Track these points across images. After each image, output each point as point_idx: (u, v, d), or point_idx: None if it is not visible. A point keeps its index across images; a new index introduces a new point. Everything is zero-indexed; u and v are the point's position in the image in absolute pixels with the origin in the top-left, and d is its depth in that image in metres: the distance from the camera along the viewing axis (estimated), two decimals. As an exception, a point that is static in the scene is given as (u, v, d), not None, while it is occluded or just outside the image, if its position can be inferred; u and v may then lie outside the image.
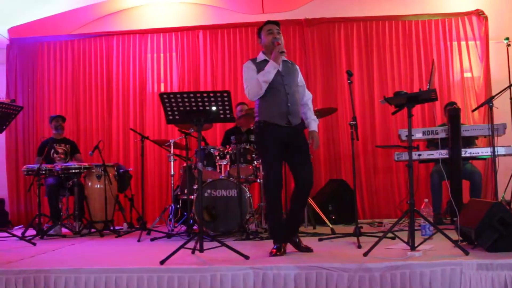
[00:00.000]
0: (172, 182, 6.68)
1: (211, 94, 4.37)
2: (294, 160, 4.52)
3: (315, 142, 4.61)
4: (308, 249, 4.48)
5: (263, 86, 4.40)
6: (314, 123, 4.69)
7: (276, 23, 4.62)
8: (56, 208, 6.82)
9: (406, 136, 6.06)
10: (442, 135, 6.19)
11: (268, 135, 4.46)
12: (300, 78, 4.73)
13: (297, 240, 4.56)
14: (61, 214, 6.91)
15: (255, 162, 6.13)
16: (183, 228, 6.47)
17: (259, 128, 4.54)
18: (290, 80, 4.53)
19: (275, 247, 4.37)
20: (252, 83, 4.44)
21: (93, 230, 6.61)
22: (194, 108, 4.43)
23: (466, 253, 3.89)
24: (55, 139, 7.38)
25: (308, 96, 4.78)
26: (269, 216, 4.68)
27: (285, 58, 4.61)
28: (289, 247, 4.51)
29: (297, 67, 4.75)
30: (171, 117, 4.53)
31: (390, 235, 4.63)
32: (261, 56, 4.61)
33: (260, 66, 4.50)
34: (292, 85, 4.53)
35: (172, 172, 6.62)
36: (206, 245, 4.30)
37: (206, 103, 4.40)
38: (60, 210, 6.93)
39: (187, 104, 4.41)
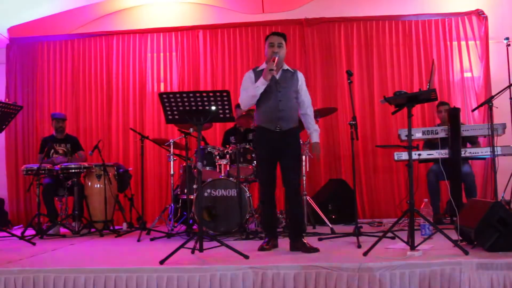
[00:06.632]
0: (172, 181, 6.69)
1: (211, 94, 4.38)
2: (283, 163, 4.76)
3: (316, 154, 4.91)
4: (314, 250, 4.48)
5: (251, 100, 4.72)
6: (315, 134, 4.93)
7: (281, 35, 4.82)
8: (51, 207, 6.83)
9: (406, 135, 6.06)
10: (442, 135, 6.19)
11: (261, 139, 4.82)
12: (301, 86, 4.86)
13: (303, 243, 4.57)
14: (58, 214, 6.93)
15: (254, 162, 6.12)
16: (183, 227, 6.47)
17: (255, 132, 4.93)
18: (285, 87, 4.74)
19: (264, 240, 4.79)
20: (244, 95, 4.75)
21: (93, 230, 6.62)
22: (194, 108, 4.44)
23: (466, 253, 3.90)
24: (56, 138, 7.36)
25: (308, 104, 4.91)
26: (261, 213, 5.27)
27: (288, 67, 4.85)
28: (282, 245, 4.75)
29: (299, 75, 4.89)
30: (170, 117, 4.54)
31: (389, 234, 4.63)
32: (263, 65, 4.84)
33: (259, 75, 4.70)
34: (286, 92, 4.73)
35: (171, 172, 6.63)
36: (206, 244, 4.31)
37: (206, 103, 4.40)
38: (56, 209, 6.95)
39: (186, 103, 4.41)
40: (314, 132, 4.91)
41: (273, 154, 4.73)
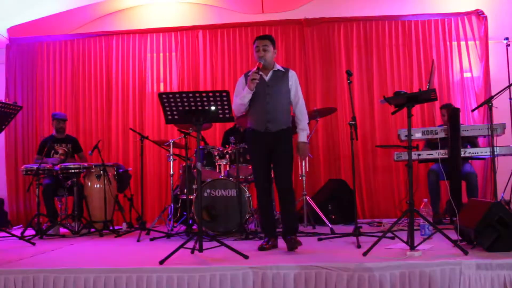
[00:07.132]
0: (171, 182, 6.68)
1: (210, 94, 4.38)
2: (274, 164, 4.83)
3: (301, 153, 4.91)
4: (296, 243, 4.57)
5: (241, 107, 4.80)
6: (302, 134, 4.88)
7: (265, 37, 4.84)
8: (51, 208, 6.83)
9: (406, 136, 6.06)
10: (442, 135, 6.19)
11: (251, 140, 4.89)
12: (292, 85, 4.83)
13: (289, 238, 4.63)
14: (58, 214, 6.93)
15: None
16: (183, 228, 6.46)
17: (246, 134, 4.97)
18: (275, 89, 4.76)
19: (264, 240, 4.79)
20: (235, 102, 4.80)
21: (92, 230, 6.60)
22: (194, 108, 4.44)
23: (466, 253, 3.90)
24: (56, 138, 7.34)
25: (296, 104, 4.88)
26: (259, 213, 5.32)
27: (279, 67, 4.85)
28: (282, 245, 4.75)
29: (291, 74, 4.86)
30: (170, 117, 4.54)
31: (389, 234, 4.62)
32: (253, 70, 4.76)
33: None
34: (276, 93, 4.75)
35: (171, 172, 6.63)
36: (206, 244, 4.32)
37: (206, 103, 4.41)
38: (56, 210, 6.95)
39: (186, 104, 4.42)
40: (301, 131, 4.87)
41: (264, 155, 4.79)
